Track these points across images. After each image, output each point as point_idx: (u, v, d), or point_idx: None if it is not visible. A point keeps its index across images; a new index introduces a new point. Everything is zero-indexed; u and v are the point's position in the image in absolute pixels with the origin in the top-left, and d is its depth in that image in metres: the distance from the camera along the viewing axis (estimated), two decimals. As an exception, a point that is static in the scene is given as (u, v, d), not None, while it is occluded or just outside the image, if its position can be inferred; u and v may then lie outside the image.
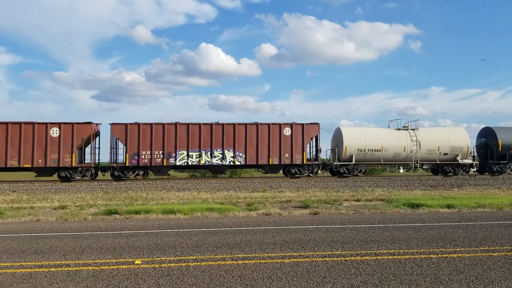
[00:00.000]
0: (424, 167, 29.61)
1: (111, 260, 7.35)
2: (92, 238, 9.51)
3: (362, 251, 7.88)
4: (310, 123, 26.84)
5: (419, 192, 21.15)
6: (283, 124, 26.48)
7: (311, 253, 7.78)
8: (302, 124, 26.59)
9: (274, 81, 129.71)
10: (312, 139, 27.11)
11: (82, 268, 6.82)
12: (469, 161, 28.09)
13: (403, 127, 28.52)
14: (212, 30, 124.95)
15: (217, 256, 7.54)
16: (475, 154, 29.49)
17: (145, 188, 23.53)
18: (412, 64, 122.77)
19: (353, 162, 26.96)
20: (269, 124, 26.28)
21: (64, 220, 12.69)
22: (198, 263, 7.04)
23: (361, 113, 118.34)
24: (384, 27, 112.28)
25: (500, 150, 28.30)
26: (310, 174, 26.88)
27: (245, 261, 7.15)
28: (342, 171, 27.11)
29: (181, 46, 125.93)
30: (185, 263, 7.04)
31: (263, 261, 7.18)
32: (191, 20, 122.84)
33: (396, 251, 7.88)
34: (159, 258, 7.44)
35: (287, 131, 26.36)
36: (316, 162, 27.19)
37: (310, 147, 27.38)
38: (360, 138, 27.17)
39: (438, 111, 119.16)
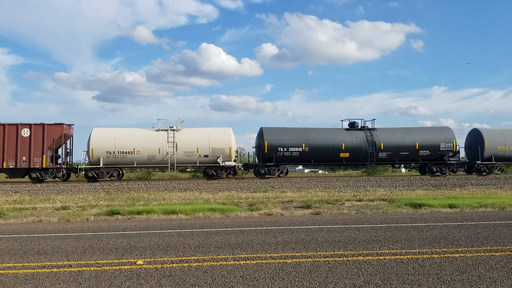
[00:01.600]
0: (188, 169, 27.37)
1: (113, 261, 7.35)
2: (94, 239, 9.52)
3: (364, 251, 7.87)
4: (53, 124, 25.32)
5: (421, 192, 21.12)
6: (21, 124, 24.91)
7: (313, 253, 7.78)
8: (43, 125, 25.05)
9: (275, 81, 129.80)
10: (60, 141, 25.60)
11: (84, 268, 6.83)
12: (232, 163, 26.47)
13: (170, 127, 26.81)
14: (214, 31, 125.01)
15: (219, 257, 7.54)
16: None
17: (147, 188, 23.55)
18: (414, 63, 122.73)
19: (101, 165, 25.57)
20: (4, 125, 24.75)
21: (66, 221, 12.71)
22: (200, 264, 7.04)
23: (363, 113, 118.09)
24: (386, 27, 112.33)
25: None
26: (57, 179, 25.63)
27: (247, 261, 7.15)
28: (91, 175, 25.63)
29: (182, 46, 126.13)
30: (187, 264, 7.04)
31: (265, 261, 7.17)
32: (193, 20, 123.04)
33: (399, 251, 7.87)
34: (161, 259, 7.45)
35: (25, 132, 24.81)
36: (58, 166, 25.68)
37: (63, 150, 26.32)
38: (110, 140, 25.73)
39: (441, 110, 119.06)
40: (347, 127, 28.62)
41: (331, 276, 6.18)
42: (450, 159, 27.77)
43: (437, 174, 27.90)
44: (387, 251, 7.83)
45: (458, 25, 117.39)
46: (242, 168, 27.92)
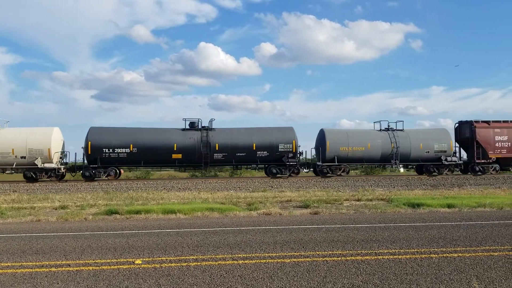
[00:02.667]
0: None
1: (112, 260, 7.35)
2: (92, 238, 9.51)
3: (362, 251, 7.87)
4: None
5: (419, 192, 21.15)
6: None
7: (311, 252, 7.78)
8: None
9: (274, 80, 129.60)
10: None
11: (83, 268, 6.82)
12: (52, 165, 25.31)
13: None
14: (213, 30, 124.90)
15: (217, 256, 7.54)
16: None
17: (146, 188, 23.53)
18: (413, 63, 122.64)
19: None
20: None
21: (65, 220, 12.70)
22: (199, 263, 7.04)
23: (362, 113, 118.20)
24: (385, 26, 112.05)
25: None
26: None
27: (245, 261, 7.15)
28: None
29: (180, 45, 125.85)
30: (186, 263, 7.04)
31: (264, 261, 7.18)
32: (192, 20, 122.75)
33: (397, 250, 7.88)
34: (160, 258, 7.44)
35: None
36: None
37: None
38: None
39: (439, 110, 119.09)
40: (187, 127, 27.53)
41: (330, 276, 6.18)
42: (290, 160, 26.87)
43: (278, 176, 26.83)
44: (386, 251, 7.84)
45: (457, 25, 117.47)
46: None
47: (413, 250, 7.94)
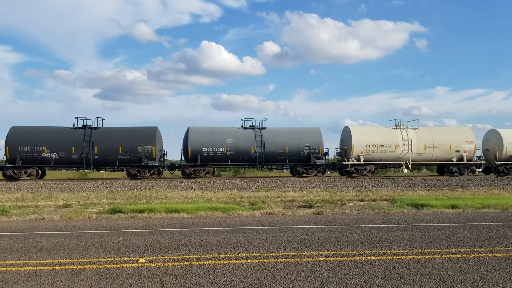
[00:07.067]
0: None
1: (115, 259, 7.37)
2: (96, 237, 9.54)
3: (366, 251, 7.86)
4: None
5: (423, 193, 21.09)
6: None
7: (314, 252, 7.78)
8: None
9: (278, 80, 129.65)
10: None
11: (86, 266, 6.85)
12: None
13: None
14: (217, 30, 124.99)
15: (220, 255, 7.55)
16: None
17: (149, 187, 23.59)
18: (417, 63, 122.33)
19: None
20: None
21: (69, 219, 12.74)
22: (202, 262, 7.05)
23: (365, 113, 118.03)
24: (389, 25, 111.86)
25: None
26: None
27: (248, 260, 7.15)
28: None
29: (183, 44, 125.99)
30: (189, 262, 7.05)
31: (267, 260, 7.18)
32: (196, 19, 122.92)
33: (400, 251, 7.87)
34: (163, 257, 7.46)
35: None
36: None
37: None
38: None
39: (443, 111, 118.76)
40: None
41: (333, 276, 6.18)
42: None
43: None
44: (389, 251, 7.83)
45: (462, 25, 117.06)
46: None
47: (417, 250, 7.92)
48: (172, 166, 28.81)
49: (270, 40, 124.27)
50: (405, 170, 35.73)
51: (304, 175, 27.54)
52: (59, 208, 15.94)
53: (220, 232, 10.02)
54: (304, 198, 18.03)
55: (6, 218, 12.84)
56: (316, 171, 27.45)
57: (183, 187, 23.58)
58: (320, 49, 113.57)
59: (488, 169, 29.47)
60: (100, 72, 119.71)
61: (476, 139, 28.76)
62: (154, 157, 26.46)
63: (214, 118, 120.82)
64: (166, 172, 29.58)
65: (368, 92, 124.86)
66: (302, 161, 27.51)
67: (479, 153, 29.41)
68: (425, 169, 34.97)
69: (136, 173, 26.51)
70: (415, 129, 28.68)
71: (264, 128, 27.98)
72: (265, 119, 28.08)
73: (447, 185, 24.86)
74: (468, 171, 28.16)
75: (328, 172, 29.57)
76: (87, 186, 23.46)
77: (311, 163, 27.21)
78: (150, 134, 26.88)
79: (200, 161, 26.71)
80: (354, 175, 27.73)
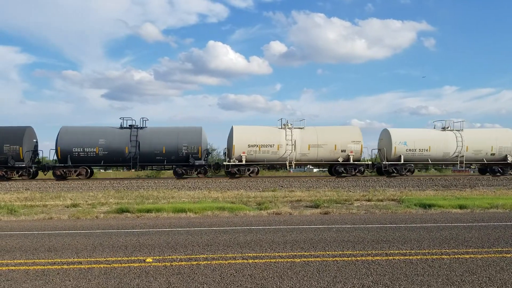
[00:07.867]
0: None
1: (123, 258, 7.40)
2: (103, 236, 9.59)
3: (373, 251, 7.83)
4: None
5: (431, 192, 20.98)
6: None
7: (321, 252, 7.76)
8: None
9: (285, 80, 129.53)
10: None
11: (94, 265, 6.88)
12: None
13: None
14: (224, 30, 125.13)
15: (227, 255, 7.56)
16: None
17: (156, 187, 23.67)
18: (425, 62, 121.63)
19: None
20: None
21: (76, 218, 12.82)
22: (209, 262, 7.06)
23: (373, 113, 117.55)
24: (397, 24, 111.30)
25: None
26: None
27: (255, 260, 7.15)
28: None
29: (189, 44, 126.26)
30: (196, 262, 7.06)
31: (274, 260, 7.18)
32: (203, 19, 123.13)
33: (408, 251, 7.83)
34: (170, 257, 7.48)
35: None
36: None
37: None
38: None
39: (452, 110, 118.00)
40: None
41: (340, 276, 6.16)
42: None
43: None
44: (396, 252, 7.79)
45: (470, 24, 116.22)
46: None
47: (424, 250, 7.87)
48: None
49: (277, 40, 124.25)
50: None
51: (184, 176, 26.93)
52: (67, 207, 16.05)
53: (227, 232, 10.03)
54: (311, 198, 18.00)
55: (15, 218, 12.95)
56: (196, 172, 27.02)
57: (190, 187, 23.63)
58: (327, 49, 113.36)
59: (380, 170, 28.73)
60: (108, 73, 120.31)
61: (366, 139, 28.84)
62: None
63: (221, 118, 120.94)
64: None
65: (375, 92, 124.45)
66: (181, 162, 26.91)
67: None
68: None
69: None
70: (301, 128, 28.01)
71: (142, 127, 27.26)
72: (146, 119, 27.39)
73: (455, 185, 24.71)
74: (356, 171, 27.53)
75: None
76: (95, 186, 23.59)
77: (190, 163, 26.71)
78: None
79: (72, 162, 26.16)
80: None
